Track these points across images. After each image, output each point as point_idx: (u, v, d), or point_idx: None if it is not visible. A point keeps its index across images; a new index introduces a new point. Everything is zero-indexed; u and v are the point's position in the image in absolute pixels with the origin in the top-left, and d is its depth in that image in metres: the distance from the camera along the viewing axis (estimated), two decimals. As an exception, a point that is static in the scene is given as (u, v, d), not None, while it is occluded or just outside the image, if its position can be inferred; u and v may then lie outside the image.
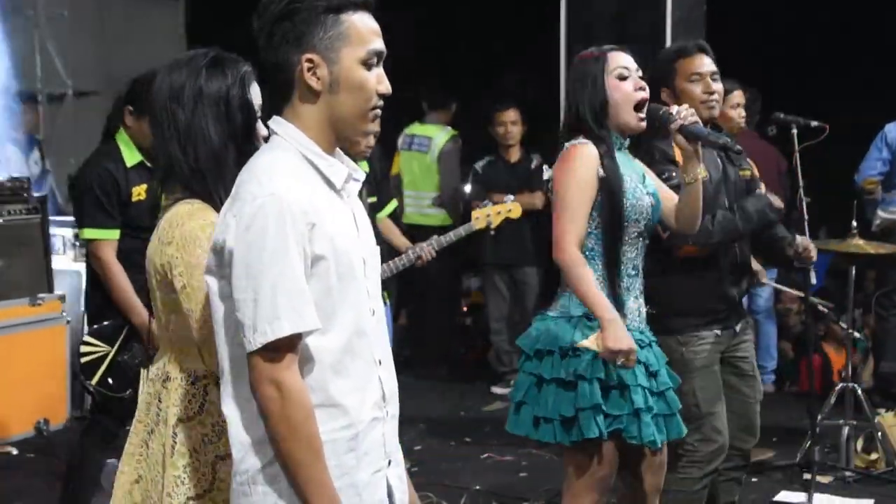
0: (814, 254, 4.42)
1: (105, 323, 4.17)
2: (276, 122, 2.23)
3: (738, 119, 5.20)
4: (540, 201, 6.86)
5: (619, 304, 3.28)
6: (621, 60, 3.32)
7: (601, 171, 3.27)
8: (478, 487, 5.14)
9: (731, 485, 4.09)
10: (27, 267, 5.91)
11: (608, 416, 3.21)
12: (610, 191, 3.26)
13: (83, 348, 4.09)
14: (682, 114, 3.31)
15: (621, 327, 3.16)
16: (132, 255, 4.17)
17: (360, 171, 2.29)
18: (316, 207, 2.12)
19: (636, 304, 3.34)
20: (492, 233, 5.08)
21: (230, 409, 2.18)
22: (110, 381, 4.07)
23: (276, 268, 2.06)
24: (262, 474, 2.13)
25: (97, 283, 4.20)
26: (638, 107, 3.33)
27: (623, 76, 3.30)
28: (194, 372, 2.48)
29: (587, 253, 3.30)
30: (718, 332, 3.89)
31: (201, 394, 2.47)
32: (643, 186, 3.37)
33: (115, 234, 4.16)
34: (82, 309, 5.02)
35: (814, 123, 4.94)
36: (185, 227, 2.43)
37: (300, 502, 2.10)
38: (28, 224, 6.01)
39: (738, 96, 5.20)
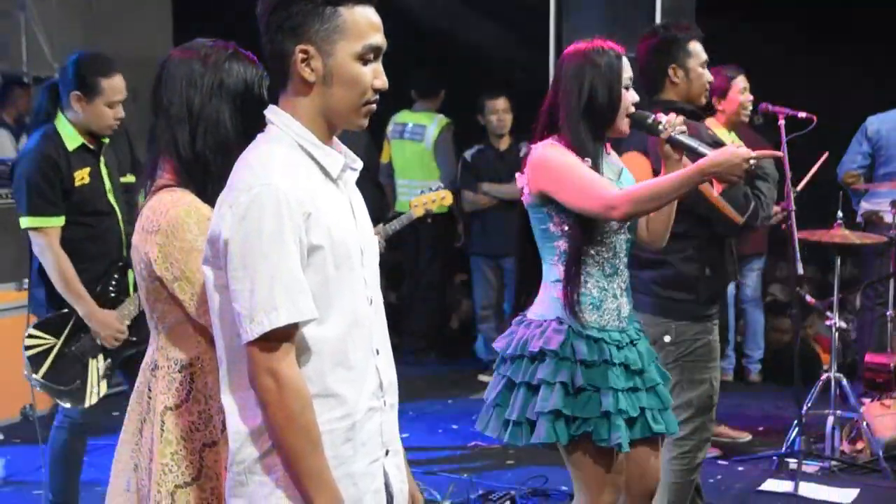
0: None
1: (50, 315, 4.12)
2: (272, 111, 2.22)
3: (747, 103, 5.16)
4: (527, 190, 6.87)
5: (594, 306, 3.22)
6: (627, 70, 3.25)
7: None
8: (465, 475, 5.14)
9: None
10: (13, 252, 5.88)
11: (576, 418, 3.16)
12: None
13: (28, 341, 4.04)
14: (672, 122, 3.23)
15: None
16: (80, 244, 4.10)
17: (358, 160, 2.28)
18: (312, 197, 2.12)
19: (614, 304, 3.26)
20: (429, 220, 5.24)
21: (228, 399, 2.18)
22: (56, 373, 4.04)
23: (273, 258, 2.05)
24: (259, 464, 2.13)
25: (44, 274, 4.11)
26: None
27: (628, 87, 3.24)
28: (180, 360, 2.47)
29: (560, 254, 3.23)
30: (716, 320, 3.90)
31: (188, 381, 2.47)
32: (619, 183, 3.30)
33: (58, 221, 4.08)
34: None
35: (802, 114, 4.94)
36: (170, 213, 2.42)
37: (297, 492, 2.10)
38: (13, 209, 5.97)
39: (742, 80, 5.18)
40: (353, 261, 2.19)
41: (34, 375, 4.03)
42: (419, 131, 7.52)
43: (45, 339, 4.05)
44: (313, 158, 2.18)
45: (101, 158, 4.24)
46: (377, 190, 7.56)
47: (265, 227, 2.05)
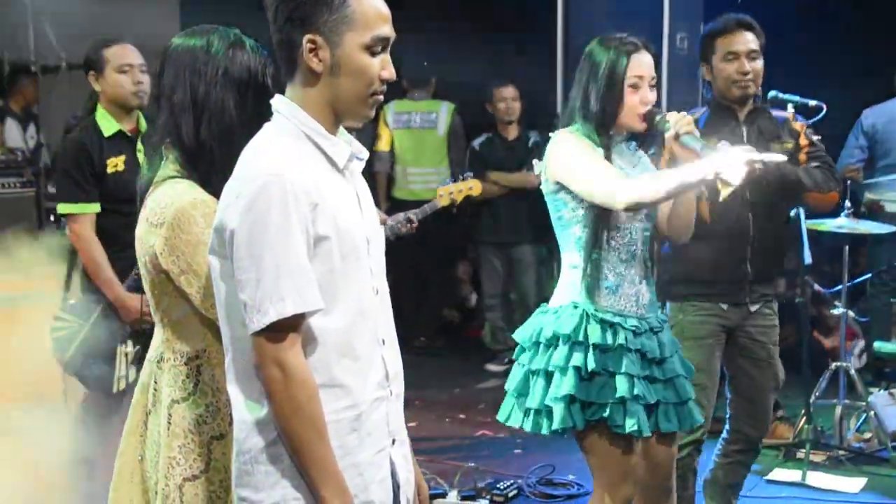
0: None
1: (73, 301, 4.13)
2: (279, 100, 2.21)
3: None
4: (536, 179, 6.85)
5: (610, 290, 3.22)
6: (639, 68, 3.18)
7: None
8: (472, 464, 5.14)
9: (737, 468, 4.08)
10: (21, 241, 5.88)
11: (592, 404, 3.15)
12: None
13: (55, 323, 4.06)
14: (678, 124, 3.15)
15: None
16: (116, 232, 4.11)
17: (364, 150, 2.28)
18: (318, 187, 2.11)
19: (632, 290, 3.25)
20: (454, 210, 5.21)
21: (233, 389, 2.18)
22: (83, 357, 4.05)
23: (279, 248, 2.05)
24: (264, 454, 2.13)
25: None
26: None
27: (637, 86, 3.19)
28: (186, 353, 2.47)
29: (575, 241, 3.24)
30: (724, 306, 3.87)
31: (194, 374, 2.46)
32: (634, 174, 3.27)
33: (89, 207, 4.10)
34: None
35: (812, 102, 4.91)
36: (175, 206, 2.40)
37: (303, 482, 2.11)
38: (22, 197, 5.99)
39: None
40: (360, 251, 2.19)
41: (60, 358, 4.05)
42: (431, 119, 7.50)
43: (70, 322, 4.07)
44: (320, 148, 2.18)
45: (140, 146, 4.22)
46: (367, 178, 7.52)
47: (272, 218, 2.05)
